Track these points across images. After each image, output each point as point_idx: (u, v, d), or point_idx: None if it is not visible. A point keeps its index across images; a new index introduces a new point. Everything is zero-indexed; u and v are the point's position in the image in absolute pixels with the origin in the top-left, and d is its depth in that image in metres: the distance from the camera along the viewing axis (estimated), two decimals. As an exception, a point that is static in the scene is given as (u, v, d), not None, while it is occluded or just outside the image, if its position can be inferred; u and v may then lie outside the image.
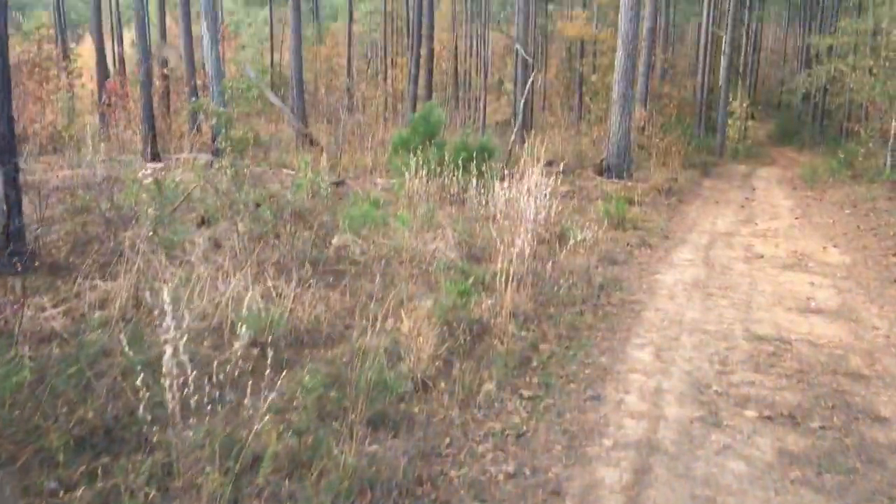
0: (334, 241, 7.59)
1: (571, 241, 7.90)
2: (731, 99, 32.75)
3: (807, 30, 43.72)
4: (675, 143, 19.28)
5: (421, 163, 10.91)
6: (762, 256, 9.74)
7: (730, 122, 33.14)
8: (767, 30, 57.16)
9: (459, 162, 11.78)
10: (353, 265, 6.87)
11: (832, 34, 23.48)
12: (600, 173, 15.20)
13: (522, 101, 18.39)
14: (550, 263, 7.37)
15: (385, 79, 44.80)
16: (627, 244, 9.71)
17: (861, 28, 18.89)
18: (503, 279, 6.23)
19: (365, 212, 8.43)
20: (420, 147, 11.93)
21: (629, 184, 14.10)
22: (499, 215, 8.18)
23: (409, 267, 7.14)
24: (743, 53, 39.01)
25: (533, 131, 25.38)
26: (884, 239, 10.67)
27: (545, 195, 7.80)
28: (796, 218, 13.02)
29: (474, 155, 12.84)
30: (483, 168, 11.31)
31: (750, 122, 38.84)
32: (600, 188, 13.70)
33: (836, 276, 8.65)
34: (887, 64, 18.84)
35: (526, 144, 16.65)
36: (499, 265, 6.32)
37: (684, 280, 8.17)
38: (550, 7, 44.81)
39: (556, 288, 6.87)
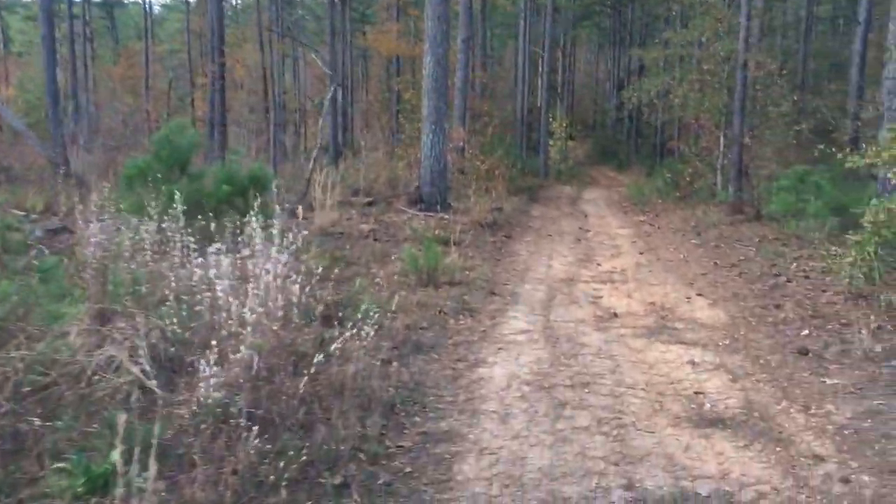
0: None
1: (356, 321, 4.86)
2: (551, 119, 31.39)
3: (617, 53, 43.76)
4: (498, 166, 16.85)
5: (153, 203, 7.54)
6: (616, 315, 7.15)
7: (551, 142, 31.78)
8: (580, 53, 57.60)
9: (215, 201, 8.63)
10: None
11: (655, 45, 22.16)
12: (415, 203, 12.34)
13: (321, 121, 15.29)
14: (308, 372, 4.27)
15: (192, 102, 40.35)
16: (440, 311, 6.79)
17: (687, 39, 17.36)
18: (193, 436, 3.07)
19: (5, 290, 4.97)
20: (164, 179, 8.54)
21: (446, 217, 11.33)
22: (225, 289, 4.94)
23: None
24: (560, 74, 38.10)
25: (346, 156, 22.43)
26: (753, 281, 8.44)
27: (291, 251, 4.67)
28: (641, 253, 10.71)
29: (247, 189, 9.66)
30: (254, 206, 8.24)
31: (570, 143, 38.02)
32: (410, 225, 10.80)
33: (718, 345, 6.13)
34: (710, 78, 17.42)
35: (324, 172, 13.59)
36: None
37: (521, 375, 5.31)
38: (367, 28, 42.15)
39: (300, 434, 3.77)
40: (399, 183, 15.87)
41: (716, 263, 9.51)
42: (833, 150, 8.06)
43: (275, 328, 4.38)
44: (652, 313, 7.24)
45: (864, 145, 8.05)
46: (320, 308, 6.19)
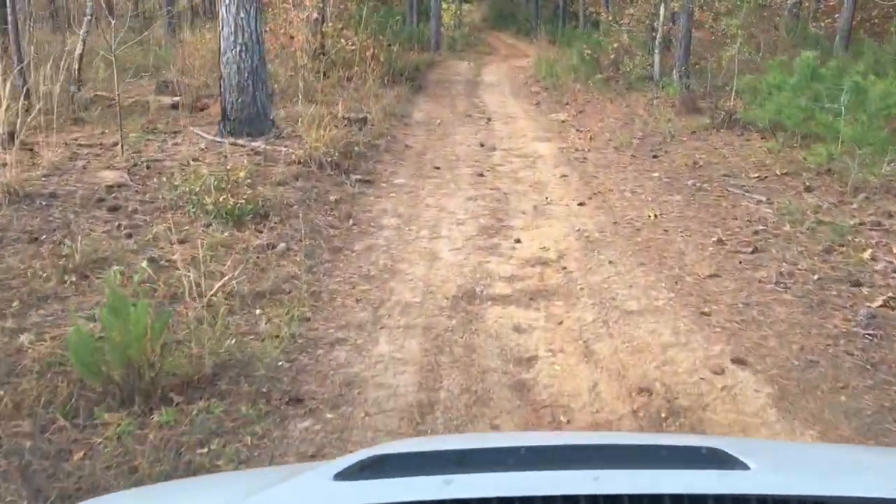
0: None
1: None
2: (444, -22, 25.81)
3: None
4: (371, 45, 11.79)
5: None
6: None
7: (445, 5, 26.45)
8: None
9: None
10: None
11: None
12: (221, 121, 7.35)
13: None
14: None
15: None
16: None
17: None
18: None
19: None
20: None
21: (262, 149, 6.48)
22: None
23: None
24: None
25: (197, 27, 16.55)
26: (816, 300, 4.14)
27: None
28: (581, 204, 6.26)
29: None
30: None
31: (465, 6, 32.75)
32: (189, 171, 5.82)
33: None
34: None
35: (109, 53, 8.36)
36: None
37: None
38: None
39: None
40: (214, 77, 10.67)
41: (720, 241, 5.19)
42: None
43: None
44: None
45: None
46: None
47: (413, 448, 1.53)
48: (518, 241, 5.36)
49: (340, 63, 11.53)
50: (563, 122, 10.51)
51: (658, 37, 12.09)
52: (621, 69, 13.17)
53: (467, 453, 1.31)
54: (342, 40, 11.75)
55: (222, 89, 6.92)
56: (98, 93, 9.71)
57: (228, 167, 5.18)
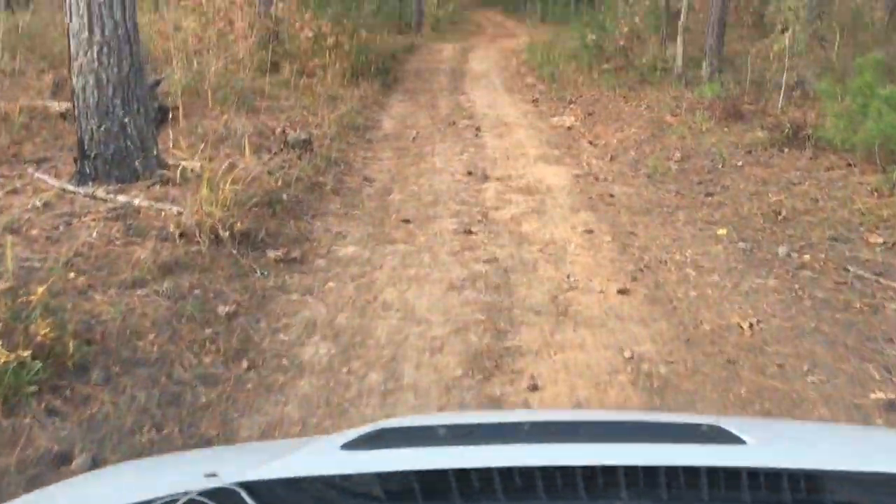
0: None
1: None
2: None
3: None
4: (330, 32, 9.30)
5: None
6: None
7: (429, -18, 23.69)
8: None
9: None
10: None
11: None
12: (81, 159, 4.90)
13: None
14: None
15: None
16: None
17: None
18: None
19: None
20: None
21: (135, 203, 4.10)
22: None
23: None
24: None
25: None
26: None
27: None
28: (623, 292, 3.88)
29: None
30: None
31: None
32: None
33: None
34: None
35: None
36: None
37: None
38: None
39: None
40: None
41: (891, 404, 2.86)
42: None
43: None
44: None
45: None
46: None
47: (416, 423, 1.39)
48: (534, 387, 3.03)
49: (297, 53, 9.07)
50: (569, 128, 8.14)
51: (682, 18, 9.66)
52: (632, 58, 10.83)
53: (472, 427, 1.26)
54: (297, 24, 9.25)
55: (76, 111, 4.46)
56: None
57: (6, 286, 2.78)
